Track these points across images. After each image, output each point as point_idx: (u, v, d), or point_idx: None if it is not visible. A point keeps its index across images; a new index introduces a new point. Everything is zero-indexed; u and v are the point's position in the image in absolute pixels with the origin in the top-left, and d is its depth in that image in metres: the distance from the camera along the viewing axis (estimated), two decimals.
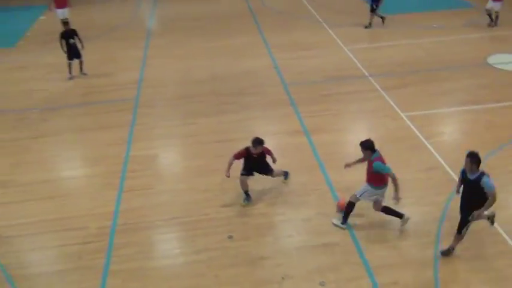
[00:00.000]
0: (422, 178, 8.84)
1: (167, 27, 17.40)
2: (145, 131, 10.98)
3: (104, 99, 12.61)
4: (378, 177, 7.24)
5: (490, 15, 15.87)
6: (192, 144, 10.45)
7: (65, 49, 13.43)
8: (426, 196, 8.37)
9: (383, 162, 7.19)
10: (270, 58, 14.49)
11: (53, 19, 19.18)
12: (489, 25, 15.97)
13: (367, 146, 7.22)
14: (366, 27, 16.33)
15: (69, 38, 13.33)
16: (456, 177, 7.82)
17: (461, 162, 6.62)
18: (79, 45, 13.51)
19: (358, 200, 7.52)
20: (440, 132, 10.53)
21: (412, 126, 10.53)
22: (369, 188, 7.37)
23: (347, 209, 7.64)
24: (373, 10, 16.12)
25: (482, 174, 6.39)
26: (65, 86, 13.49)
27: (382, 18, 16.32)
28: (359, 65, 13.69)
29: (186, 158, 10.09)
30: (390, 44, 15.15)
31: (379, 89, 12.28)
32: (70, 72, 13.71)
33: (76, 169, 10.07)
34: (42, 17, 19.56)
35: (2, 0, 22.14)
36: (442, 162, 9.22)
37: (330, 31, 16.33)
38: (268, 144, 8.24)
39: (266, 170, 8.51)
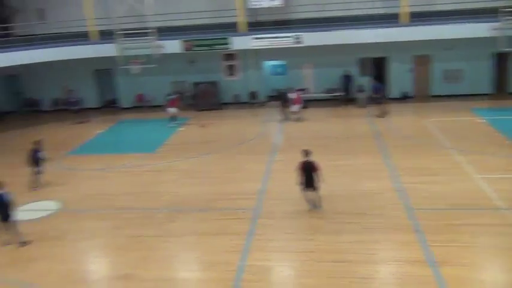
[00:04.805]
0: None
1: (292, 143, 18.10)
2: (262, 242, 11.07)
3: (226, 206, 13.14)
4: None
5: None
6: (306, 261, 10.21)
7: None
8: None
9: None
10: (393, 181, 14.15)
11: (189, 131, 21.25)
12: None
13: None
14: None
15: None
16: None
17: None
18: None
19: None
20: None
21: None
22: None
23: None
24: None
25: None
26: (194, 190, 14.40)
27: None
28: (492, 195, 12.74)
29: (300, 275, 9.82)
30: None
31: None
32: None
33: (192, 271, 10.37)
34: (181, 129, 21.69)
35: (156, 113, 25.20)
36: None
37: (459, 158, 15.67)
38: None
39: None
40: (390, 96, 25.06)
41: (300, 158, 12.20)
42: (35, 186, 15.18)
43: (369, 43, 22.94)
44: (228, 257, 10.52)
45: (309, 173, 12.00)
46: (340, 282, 9.27)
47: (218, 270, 10.03)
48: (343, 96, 24.53)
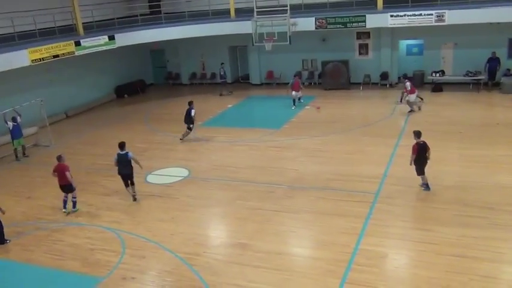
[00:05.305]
0: None
1: (422, 128, 17.24)
2: (379, 227, 10.82)
3: (345, 187, 13.02)
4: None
5: None
6: (424, 252, 9.75)
7: None
8: None
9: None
10: None
11: (315, 111, 21.25)
12: None
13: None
14: None
15: None
16: None
17: None
18: None
19: None
20: None
21: None
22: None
23: None
24: None
25: None
26: (313, 169, 14.49)
27: None
28: None
29: (416, 266, 9.42)
30: None
31: None
32: None
33: (306, 248, 10.54)
34: (307, 107, 21.78)
35: (284, 91, 25.64)
36: None
37: None
38: None
39: None
40: None
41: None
42: (186, 136, 18.04)
43: None
44: (343, 238, 10.47)
45: (423, 155, 12.10)
46: (459, 278, 8.72)
47: (332, 251, 10.05)
48: (487, 80, 22.43)
